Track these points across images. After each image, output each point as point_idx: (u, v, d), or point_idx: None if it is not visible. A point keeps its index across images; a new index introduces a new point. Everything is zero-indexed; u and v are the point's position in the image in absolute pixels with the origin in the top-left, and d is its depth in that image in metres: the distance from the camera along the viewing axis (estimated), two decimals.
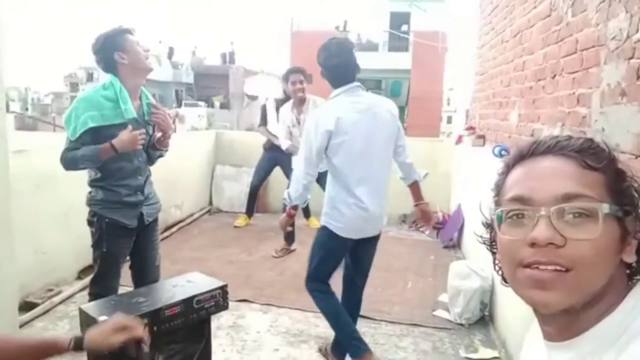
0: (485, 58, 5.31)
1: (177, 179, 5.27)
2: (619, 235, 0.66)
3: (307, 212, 5.40)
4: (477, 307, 3.18)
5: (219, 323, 3.06)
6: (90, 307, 1.88)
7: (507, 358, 2.76)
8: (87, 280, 3.39)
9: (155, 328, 1.82)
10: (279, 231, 4.93)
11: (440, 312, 3.35)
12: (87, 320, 1.79)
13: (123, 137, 2.24)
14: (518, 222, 0.70)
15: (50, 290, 3.38)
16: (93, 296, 2.36)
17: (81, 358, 1.35)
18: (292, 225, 4.02)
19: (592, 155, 0.68)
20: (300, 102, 4.38)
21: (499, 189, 0.77)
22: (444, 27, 17.80)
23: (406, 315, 3.32)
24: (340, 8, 19.63)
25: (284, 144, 4.53)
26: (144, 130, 2.35)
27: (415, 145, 6.17)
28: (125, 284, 2.57)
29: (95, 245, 2.39)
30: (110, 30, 2.31)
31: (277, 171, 5.23)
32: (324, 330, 2.69)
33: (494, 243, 0.78)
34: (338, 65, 2.44)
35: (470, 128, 5.59)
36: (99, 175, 2.34)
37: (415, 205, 2.71)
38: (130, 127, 2.28)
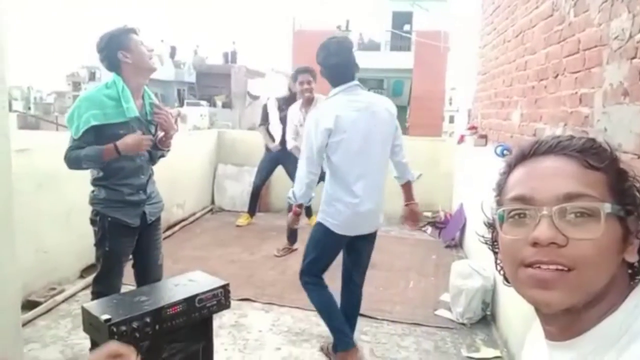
0: (488, 58, 5.31)
1: (179, 178, 5.28)
2: (621, 235, 0.66)
3: (308, 211, 5.40)
4: (479, 306, 3.18)
5: (221, 322, 3.07)
6: (93, 306, 1.88)
7: (509, 357, 2.76)
8: (89, 278, 3.40)
9: (157, 327, 1.82)
10: (280, 230, 4.95)
11: (442, 312, 3.35)
12: (89, 319, 1.80)
13: (127, 141, 2.26)
14: (520, 222, 0.70)
15: (53, 289, 3.39)
16: (96, 295, 2.37)
17: None
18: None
19: (594, 155, 0.68)
20: (308, 102, 4.38)
21: (500, 188, 0.77)
22: (446, 26, 17.79)
23: (408, 315, 3.32)
24: (342, 7, 19.66)
25: (289, 144, 4.55)
26: (151, 137, 2.38)
27: (417, 145, 6.19)
28: (129, 282, 2.58)
29: (98, 244, 2.40)
30: (115, 30, 2.33)
31: (279, 170, 5.23)
32: (326, 329, 2.69)
33: (495, 243, 0.78)
34: (337, 65, 2.46)
35: (473, 128, 5.59)
36: (101, 174, 2.35)
37: (406, 205, 2.76)
38: (139, 132, 2.31)
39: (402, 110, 16.92)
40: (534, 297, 0.68)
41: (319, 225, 2.55)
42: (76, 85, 37.61)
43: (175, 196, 5.25)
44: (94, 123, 2.23)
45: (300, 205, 2.59)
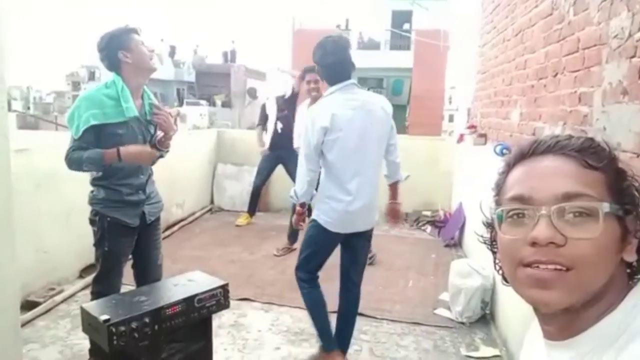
0: (487, 57, 5.30)
1: (178, 178, 5.28)
2: (620, 235, 0.66)
3: (308, 211, 5.40)
4: (478, 305, 3.18)
5: (220, 322, 3.07)
6: (92, 306, 1.88)
7: (508, 356, 2.76)
8: (88, 279, 3.40)
9: (156, 327, 1.82)
10: (280, 230, 4.95)
11: (441, 311, 3.35)
12: (88, 319, 1.80)
13: (131, 149, 2.27)
14: (518, 222, 0.70)
15: (52, 289, 3.38)
16: (95, 295, 2.37)
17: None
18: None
19: (592, 155, 0.68)
20: (315, 101, 4.40)
21: (499, 188, 0.77)
22: (445, 25, 17.74)
23: (407, 314, 3.32)
24: (341, 6, 19.62)
25: (296, 142, 4.57)
26: (157, 154, 2.41)
27: (417, 144, 6.20)
28: (128, 282, 2.58)
29: (98, 244, 2.39)
30: (116, 29, 2.33)
31: (279, 170, 5.24)
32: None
33: (494, 242, 0.78)
34: (334, 64, 2.47)
35: (472, 127, 5.58)
36: (100, 174, 2.35)
37: (390, 203, 2.81)
38: (148, 148, 2.34)
39: (401, 109, 16.91)
40: (533, 296, 0.68)
41: (314, 222, 2.57)
42: (75, 85, 37.55)
43: (174, 196, 5.25)
44: (93, 122, 2.23)
45: (302, 204, 2.59)
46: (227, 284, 2.10)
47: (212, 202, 6.39)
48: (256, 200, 5.56)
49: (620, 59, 2.06)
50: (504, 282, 0.76)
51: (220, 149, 6.50)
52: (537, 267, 0.66)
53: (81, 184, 2.51)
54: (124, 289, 2.44)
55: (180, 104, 23.52)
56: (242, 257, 4.47)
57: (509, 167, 0.76)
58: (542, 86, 3.20)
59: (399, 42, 19.80)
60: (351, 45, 2.64)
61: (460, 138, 5.73)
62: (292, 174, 4.52)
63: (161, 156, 2.57)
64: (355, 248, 2.64)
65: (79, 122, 2.23)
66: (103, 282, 2.40)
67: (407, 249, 4.82)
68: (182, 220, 5.50)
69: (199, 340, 2.07)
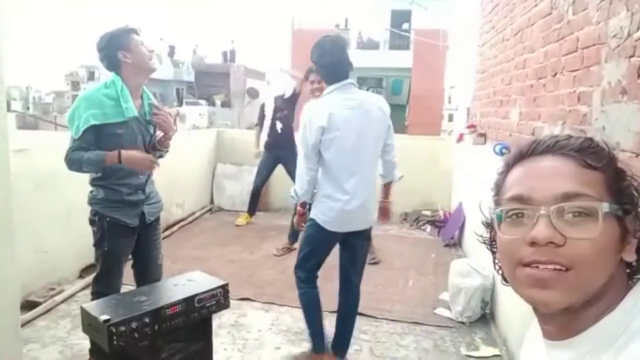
0: (486, 56, 5.30)
1: (178, 178, 5.27)
2: (619, 234, 0.66)
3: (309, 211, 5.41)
4: (478, 305, 3.18)
5: (220, 322, 3.07)
6: (92, 306, 1.88)
7: (508, 356, 2.77)
8: (88, 279, 3.40)
9: (156, 327, 1.82)
10: (280, 230, 4.95)
11: (441, 311, 3.36)
12: (88, 319, 1.80)
13: (133, 154, 2.27)
14: (518, 222, 0.70)
15: (52, 289, 3.39)
16: (95, 295, 2.37)
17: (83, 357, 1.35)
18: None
19: (591, 155, 0.68)
20: None
21: (498, 188, 0.77)
22: (445, 25, 17.74)
23: (407, 314, 3.33)
24: (341, 6, 19.61)
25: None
26: (159, 164, 2.41)
27: (417, 144, 6.20)
28: (128, 282, 2.58)
29: (97, 244, 2.39)
30: (116, 29, 2.33)
31: (279, 170, 5.25)
32: (326, 329, 2.70)
33: (493, 242, 0.78)
34: (332, 63, 2.48)
35: (471, 126, 5.58)
36: (100, 174, 2.34)
37: (381, 202, 2.84)
38: (151, 156, 2.36)
39: (401, 109, 16.88)
40: (532, 296, 0.68)
41: (312, 221, 2.58)
42: (75, 85, 37.54)
43: (174, 196, 5.25)
44: (93, 122, 2.23)
45: (303, 204, 2.60)
46: (227, 284, 2.10)
47: (211, 202, 6.39)
48: (256, 201, 5.57)
49: (619, 59, 2.06)
50: (504, 282, 0.76)
51: (220, 149, 6.50)
52: (537, 267, 0.66)
53: (81, 184, 2.51)
54: (124, 289, 2.44)
55: (180, 103, 23.50)
56: (242, 257, 4.47)
57: (508, 167, 0.76)
58: (541, 86, 3.20)
59: (399, 41, 19.78)
60: (349, 45, 2.65)
61: (460, 138, 5.73)
62: (292, 174, 4.52)
63: (161, 156, 2.57)
64: (354, 247, 2.65)
65: (78, 122, 2.23)
66: (103, 282, 2.40)
67: (407, 249, 4.82)
68: (181, 220, 5.50)
69: (199, 340, 2.07)
